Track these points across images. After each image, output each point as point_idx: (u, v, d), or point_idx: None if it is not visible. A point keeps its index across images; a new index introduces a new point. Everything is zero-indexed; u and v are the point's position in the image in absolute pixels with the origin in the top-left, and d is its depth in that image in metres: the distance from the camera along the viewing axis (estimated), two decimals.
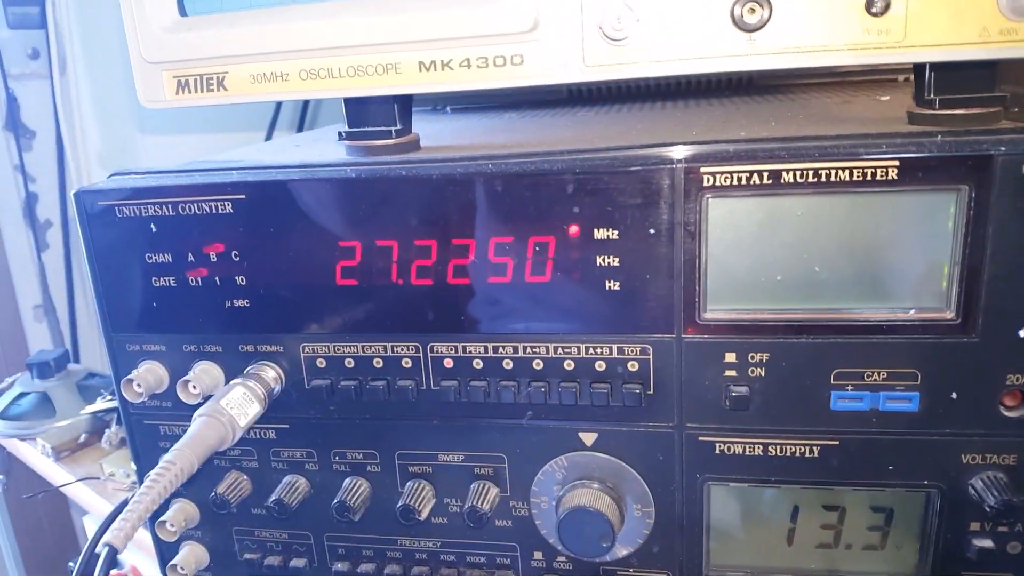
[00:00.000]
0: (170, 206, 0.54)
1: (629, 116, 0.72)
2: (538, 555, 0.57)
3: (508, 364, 0.52)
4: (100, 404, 1.09)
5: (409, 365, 0.54)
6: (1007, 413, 0.45)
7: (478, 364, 0.53)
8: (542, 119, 0.76)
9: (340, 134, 0.59)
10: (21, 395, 1.17)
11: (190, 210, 0.54)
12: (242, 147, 0.77)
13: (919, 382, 0.46)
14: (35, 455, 1.08)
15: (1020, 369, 0.44)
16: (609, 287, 0.49)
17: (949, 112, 0.48)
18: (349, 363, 0.55)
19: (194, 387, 0.56)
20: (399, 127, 0.57)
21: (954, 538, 0.49)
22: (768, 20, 0.44)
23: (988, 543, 0.48)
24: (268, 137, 1.26)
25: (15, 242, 1.66)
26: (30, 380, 1.19)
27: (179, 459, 0.48)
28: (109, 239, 0.56)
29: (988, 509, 0.46)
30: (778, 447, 0.49)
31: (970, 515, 0.48)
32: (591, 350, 0.50)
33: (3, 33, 1.54)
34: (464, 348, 0.53)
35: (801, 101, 0.72)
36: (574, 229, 0.48)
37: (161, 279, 0.56)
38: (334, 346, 0.55)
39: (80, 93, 1.56)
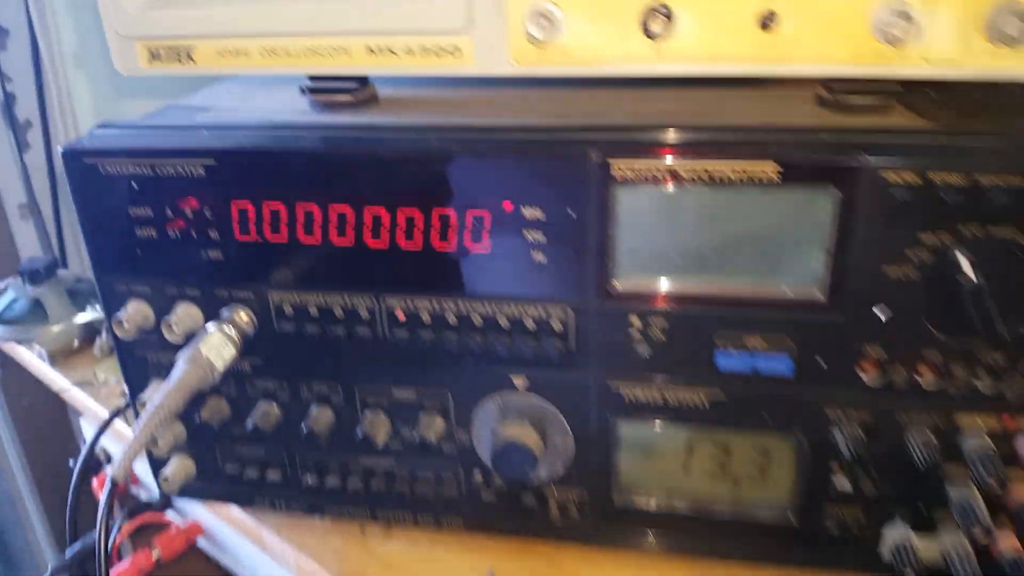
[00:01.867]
0: (148, 166, 0.60)
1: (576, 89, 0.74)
2: (477, 474, 0.66)
3: (452, 320, 0.59)
4: (91, 314, 1.16)
5: (366, 316, 0.61)
6: (864, 377, 0.54)
7: (426, 318, 0.60)
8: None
9: (301, 89, 0.65)
10: (14, 300, 1.23)
11: (165, 171, 0.60)
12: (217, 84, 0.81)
13: (792, 350, 0.54)
14: (32, 359, 1.15)
15: (874, 341, 0.52)
16: (536, 260, 0.56)
17: (848, 99, 0.55)
18: (313, 311, 0.62)
19: (176, 327, 0.63)
20: (357, 86, 0.63)
21: (820, 476, 0.58)
22: (672, 31, 0.49)
23: (845, 482, 0.57)
24: None
25: None
26: (21, 286, 1.24)
27: (167, 401, 0.56)
28: (94, 192, 0.62)
29: (846, 455, 0.55)
30: (674, 396, 0.58)
31: (832, 458, 0.57)
32: (521, 311, 0.58)
33: None
34: (413, 303, 0.60)
35: None
36: (507, 205, 0.55)
37: (143, 229, 0.62)
38: (299, 296, 0.62)
39: None
